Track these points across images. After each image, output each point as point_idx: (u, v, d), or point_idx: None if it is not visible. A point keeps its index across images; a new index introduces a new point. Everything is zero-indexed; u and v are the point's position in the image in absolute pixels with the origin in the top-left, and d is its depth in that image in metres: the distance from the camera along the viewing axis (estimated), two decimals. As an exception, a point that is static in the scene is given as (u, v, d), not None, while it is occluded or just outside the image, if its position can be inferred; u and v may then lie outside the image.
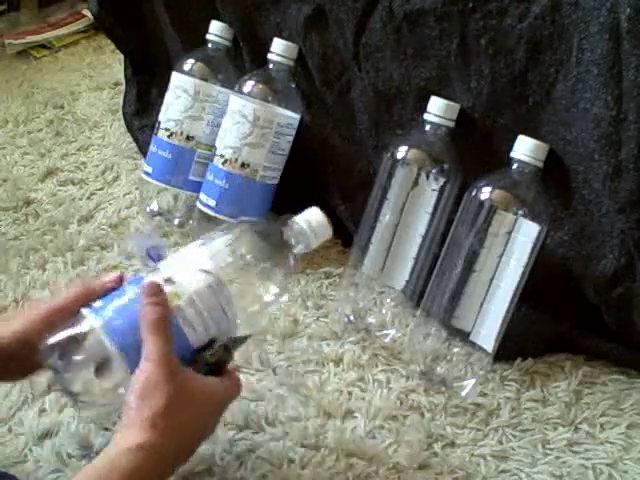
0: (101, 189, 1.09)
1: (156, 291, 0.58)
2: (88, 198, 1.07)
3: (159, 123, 0.98)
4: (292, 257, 0.64)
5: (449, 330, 0.76)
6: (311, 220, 0.64)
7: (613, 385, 0.76)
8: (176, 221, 1.00)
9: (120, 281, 0.61)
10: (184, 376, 0.56)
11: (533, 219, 0.71)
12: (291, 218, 0.65)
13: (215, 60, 0.97)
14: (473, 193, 0.74)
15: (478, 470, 0.68)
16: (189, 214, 0.98)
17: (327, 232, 0.65)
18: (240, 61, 0.97)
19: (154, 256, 0.63)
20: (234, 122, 0.89)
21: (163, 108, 0.98)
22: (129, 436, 0.53)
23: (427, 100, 0.77)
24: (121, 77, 1.20)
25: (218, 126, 0.92)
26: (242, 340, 0.62)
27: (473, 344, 0.75)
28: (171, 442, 0.54)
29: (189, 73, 0.96)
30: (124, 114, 1.17)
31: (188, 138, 0.96)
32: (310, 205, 0.65)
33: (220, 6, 0.94)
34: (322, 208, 0.65)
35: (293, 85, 0.91)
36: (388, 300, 0.83)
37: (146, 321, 0.56)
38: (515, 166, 0.73)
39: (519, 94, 0.72)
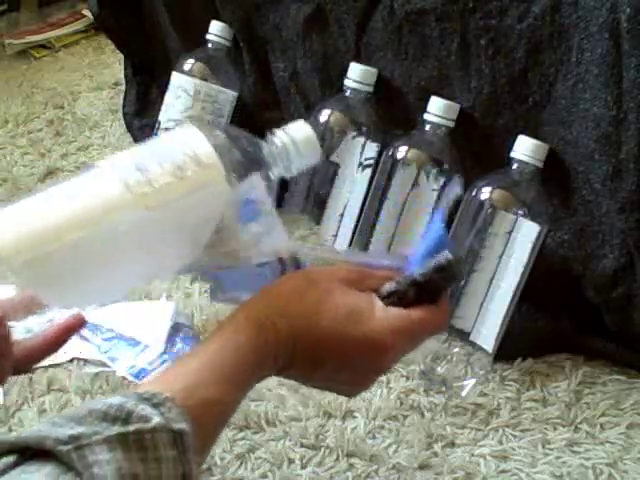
0: (101, 189, 1.09)
1: None
2: (88, 198, 1.07)
3: (159, 123, 0.98)
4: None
5: (449, 330, 0.76)
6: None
7: (613, 385, 0.76)
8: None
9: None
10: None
11: (533, 219, 0.71)
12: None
13: (215, 60, 0.97)
14: (473, 193, 0.74)
15: (478, 470, 0.68)
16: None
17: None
18: (240, 61, 0.97)
19: None
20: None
21: (163, 108, 0.98)
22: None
23: (427, 100, 0.77)
24: (121, 77, 1.20)
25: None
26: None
27: (473, 344, 0.75)
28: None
29: (189, 73, 0.96)
30: (124, 114, 1.17)
31: (188, 138, 0.96)
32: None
33: (220, 6, 0.94)
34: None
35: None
36: (388, 300, 0.83)
37: None
38: (515, 166, 0.73)
39: (519, 94, 0.72)
